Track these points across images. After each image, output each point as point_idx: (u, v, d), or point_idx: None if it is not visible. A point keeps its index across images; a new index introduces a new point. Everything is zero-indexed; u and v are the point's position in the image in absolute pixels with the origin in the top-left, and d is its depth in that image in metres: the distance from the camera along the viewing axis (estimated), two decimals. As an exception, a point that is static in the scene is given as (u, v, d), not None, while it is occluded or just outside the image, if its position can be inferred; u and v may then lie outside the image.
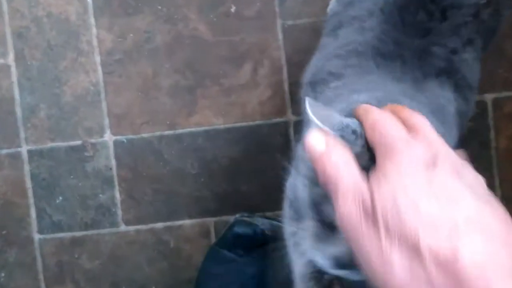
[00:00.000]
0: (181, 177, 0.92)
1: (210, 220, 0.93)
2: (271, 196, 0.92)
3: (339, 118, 0.35)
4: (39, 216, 0.94)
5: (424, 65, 0.52)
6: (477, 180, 0.30)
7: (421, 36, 0.53)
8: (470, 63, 0.55)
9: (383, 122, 0.32)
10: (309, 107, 0.35)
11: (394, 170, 0.28)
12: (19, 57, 0.92)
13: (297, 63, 0.90)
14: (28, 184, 0.93)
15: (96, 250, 0.93)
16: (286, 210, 0.48)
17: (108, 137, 0.93)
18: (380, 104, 0.38)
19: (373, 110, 0.34)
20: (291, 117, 0.91)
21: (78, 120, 0.92)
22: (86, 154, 0.93)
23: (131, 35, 0.91)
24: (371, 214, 0.27)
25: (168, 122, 0.92)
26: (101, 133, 0.92)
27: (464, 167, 0.30)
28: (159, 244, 0.93)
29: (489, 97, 0.89)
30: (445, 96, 0.52)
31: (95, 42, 0.92)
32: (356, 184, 0.29)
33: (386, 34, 0.54)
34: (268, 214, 0.92)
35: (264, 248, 0.87)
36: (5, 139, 0.93)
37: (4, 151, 0.93)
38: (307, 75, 0.62)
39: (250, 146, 0.91)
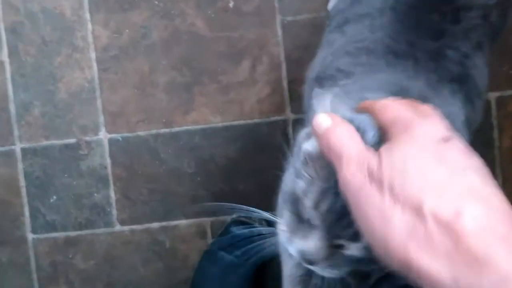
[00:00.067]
0: (178, 176, 0.90)
1: (207, 220, 0.91)
2: (269, 196, 0.91)
3: (344, 113, 0.36)
4: (33, 216, 0.92)
5: (438, 68, 0.51)
6: (484, 167, 0.31)
7: (435, 39, 0.52)
8: (480, 68, 0.55)
9: (397, 104, 0.34)
10: (318, 100, 0.36)
11: (408, 141, 0.30)
12: (13, 53, 0.91)
13: (297, 59, 0.89)
14: (22, 182, 0.92)
15: (90, 250, 0.92)
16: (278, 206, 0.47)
17: (103, 135, 0.91)
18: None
19: (383, 100, 0.36)
20: (290, 115, 0.89)
21: (72, 117, 0.91)
22: (81, 152, 0.91)
23: (127, 30, 0.90)
24: (376, 178, 0.29)
25: (164, 120, 0.90)
26: (96, 131, 0.91)
27: (472, 153, 0.31)
28: (155, 245, 0.92)
29: (492, 95, 0.87)
30: (456, 104, 0.51)
31: (90, 38, 0.90)
32: (361, 151, 0.30)
33: (398, 34, 0.53)
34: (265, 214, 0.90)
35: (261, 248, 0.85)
36: (-2, 136, 0.92)
37: (-2, 149, 0.92)
38: (313, 71, 0.61)
39: (248, 145, 0.90)
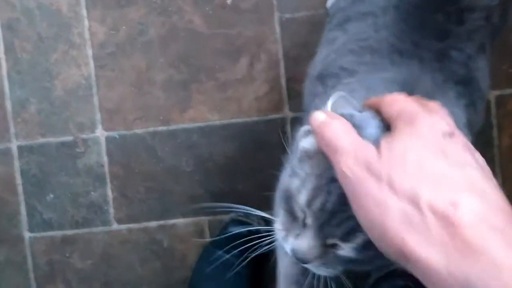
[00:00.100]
0: (175, 174, 0.90)
1: (205, 219, 0.91)
2: (267, 195, 0.91)
3: (345, 110, 0.36)
4: (30, 214, 0.92)
5: (444, 68, 0.51)
6: (485, 166, 0.31)
7: (440, 39, 0.52)
8: (483, 71, 0.55)
9: (403, 98, 0.34)
10: (320, 100, 0.37)
11: (411, 133, 0.30)
12: (9, 50, 0.90)
13: (295, 57, 0.88)
14: (18, 180, 0.91)
15: (87, 249, 0.91)
16: (275, 204, 0.47)
17: (100, 132, 0.90)
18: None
19: (392, 94, 0.36)
20: (288, 113, 0.89)
21: (69, 115, 0.90)
22: (78, 150, 0.90)
23: (124, 27, 0.89)
24: (373, 169, 0.29)
25: (161, 118, 0.89)
26: (92, 128, 0.90)
27: (475, 150, 0.31)
28: (152, 244, 0.91)
29: (492, 94, 0.86)
30: (459, 106, 0.51)
31: (87, 34, 0.89)
32: (356, 144, 0.31)
33: (403, 33, 0.53)
34: (264, 213, 0.89)
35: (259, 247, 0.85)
36: (-6, 134, 0.91)
37: (-7, 147, 0.91)
38: (315, 68, 0.60)
39: (246, 143, 0.89)
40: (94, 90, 0.90)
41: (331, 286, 0.44)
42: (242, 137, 0.89)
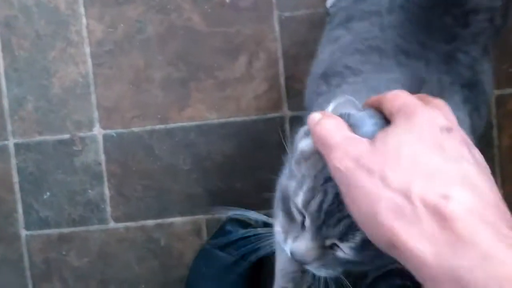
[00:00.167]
0: (173, 173, 0.89)
1: (202, 218, 0.90)
2: (266, 194, 0.90)
3: (344, 110, 0.37)
4: (26, 212, 0.91)
5: (451, 71, 0.51)
6: (484, 162, 0.31)
7: (447, 42, 0.52)
8: (487, 74, 0.55)
9: (405, 94, 0.34)
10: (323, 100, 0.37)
11: (409, 127, 0.30)
12: (7, 47, 0.90)
13: (294, 56, 0.88)
14: (15, 178, 0.91)
15: (84, 247, 0.91)
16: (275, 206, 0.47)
17: (98, 131, 0.90)
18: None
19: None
20: (287, 112, 0.88)
21: (66, 113, 0.90)
22: (75, 148, 0.90)
23: (122, 25, 0.88)
24: (364, 163, 0.29)
25: (159, 116, 0.89)
26: (90, 126, 0.90)
27: (474, 146, 0.32)
28: (149, 242, 0.91)
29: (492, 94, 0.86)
30: (465, 110, 0.51)
31: (85, 32, 0.89)
32: (347, 139, 0.31)
33: (409, 34, 0.52)
34: (262, 212, 0.89)
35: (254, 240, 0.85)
36: (-9, 131, 0.90)
37: (-10, 144, 0.91)
38: (319, 67, 0.60)
39: (244, 142, 0.89)
40: (92, 88, 0.89)
41: (331, 285, 0.44)
42: (240, 135, 0.89)
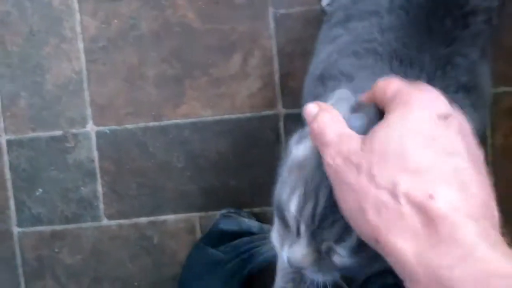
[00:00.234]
0: (166, 170, 0.89)
1: (196, 216, 0.90)
2: (259, 192, 0.90)
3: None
4: (19, 209, 0.91)
5: (445, 77, 0.51)
6: (478, 151, 0.31)
7: (446, 45, 0.51)
8: (486, 77, 0.55)
9: (397, 80, 0.34)
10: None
11: (404, 117, 0.30)
12: (0, 43, 0.89)
13: (289, 53, 0.87)
14: (7, 175, 0.90)
15: (77, 245, 0.91)
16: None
17: (91, 127, 0.89)
18: None
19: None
20: (281, 110, 0.88)
21: (60, 109, 0.89)
22: (68, 145, 0.89)
23: (116, 21, 0.88)
24: (353, 160, 0.29)
25: (153, 113, 0.88)
26: (83, 123, 0.89)
27: (470, 134, 0.31)
28: (143, 240, 0.90)
29: (486, 92, 0.86)
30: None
31: (78, 28, 0.88)
32: (340, 135, 0.31)
33: (409, 37, 0.52)
34: (256, 210, 0.89)
35: (250, 245, 0.85)
36: (-17, 128, 0.90)
37: (-17, 141, 0.90)
38: (316, 68, 0.60)
39: (238, 139, 0.89)
40: (85, 84, 0.89)
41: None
42: (235, 133, 0.89)
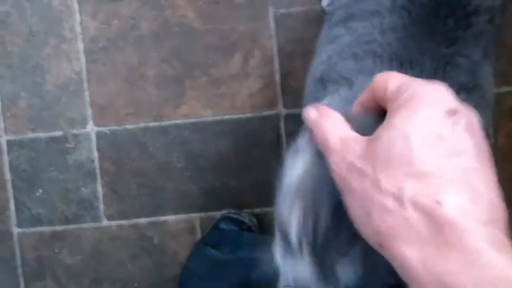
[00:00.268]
0: (167, 171, 0.89)
1: (196, 216, 0.89)
2: (260, 192, 0.90)
3: None
4: (19, 209, 0.90)
5: (445, 78, 0.50)
6: (486, 147, 0.30)
7: (448, 45, 0.50)
8: (488, 78, 0.54)
9: (397, 74, 0.32)
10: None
11: (409, 115, 0.29)
12: (0, 44, 0.89)
13: (290, 53, 0.87)
14: (7, 175, 0.90)
15: (77, 245, 0.90)
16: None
17: (91, 128, 0.89)
18: None
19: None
20: (282, 110, 0.88)
21: (59, 110, 0.89)
22: (68, 145, 0.89)
23: (116, 21, 0.88)
24: (356, 166, 0.29)
25: (153, 114, 0.88)
26: (83, 124, 0.89)
27: (478, 129, 0.30)
28: (143, 240, 0.90)
29: (488, 92, 0.85)
30: None
31: (78, 28, 0.88)
32: (344, 141, 0.31)
33: (410, 38, 0.51)
34: (257, 211, 0.89)
35: (251, 245, 0.84)
36: (-16, 128, 0.90)
37: (-17, 141, 0.90)
38: (316, 70, 0.59)
39: (239, 140, 0.88)
40: (85, 85, 0.89)
41: None
42: (235, 133, 0.88)
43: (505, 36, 0.83)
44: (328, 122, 0.32)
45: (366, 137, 0.30)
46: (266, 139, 0.88)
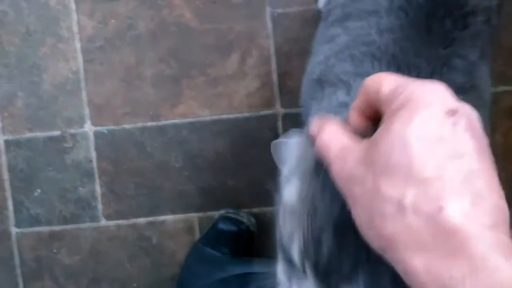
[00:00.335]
0: (165, 170, 0.89)
1: (194, 216, 0.90)
2: (258, 192, 0.90)
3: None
4: (17, 209, 0.90)
5: (442, 80, 0.49)
6: (486, 143, 0.29)
7: (445, 46, 0.50)
8: (485, 79, 0.54)
9: (392, 76, 0.31)
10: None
11: (408, 118, 0.28)
12: (-4, 43, 0.89)
13: (287, 53, 0.87)
14: (5, 175, 0.90)
15: (75, 245, 0.90)
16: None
17: (88, 127, 0.89)
18: None
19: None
20: (280, 110, 0.88)
21: (57, 109, 0.89)
22: (65, 145, 0.89)
23: (113, 21, 0.87)
24: (357, 174, 0.29)
25: (151, 113, 0.88)
26: (81, 123, 0.89)
27: (479, 128, 0.29)
28: (141, 240, 0.90)
29: (485, 91, 0.86)
30: None
31: (75, 28, 0.88)
32: (343, 150, 0.31)
33: (407, 40, 0.51)
34: (255, 210, 0.89)
35: (249, 246, 0.84)
36: (-19, 128, 0.90)
37: (-20, 141, 0.90)
38: (314, 70, 0.59)
39: (236, 139, 0.88)
40: (83, 84, 0.88)
41: None
42: (233, 133, 0.88)
43: (502, 36, 0.83)
44: (326, 133, 0.32)
45: (365, 143, 0.30)
46: (264, 138, 0.88)
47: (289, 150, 0.37)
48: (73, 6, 0.88)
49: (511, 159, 0.88)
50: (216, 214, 0.88)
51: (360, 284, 0.34)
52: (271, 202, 0.45)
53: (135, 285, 0.91)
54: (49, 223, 0.90)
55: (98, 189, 0.90)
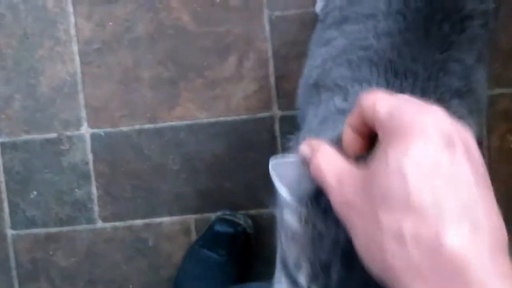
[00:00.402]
0: (162, 173, 0.89)
1: (191, 218, 0.90)
2: (255, 194, 0.90)
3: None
4: (13, 211, 0.90)
5: (439, 86, 0.49)
6: (480, 160, 0.29)
7: (442, 50, 0.50)
8: (482, 83, 0.54)
9: (388, 97, 0.30)
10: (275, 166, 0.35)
11: (405, 147, 0.27)
12: (-6, 45, 0.89)
13: (284, 55, 0.87)
14: (1, 177, 0.90)
15: (71, 247, 0.90)
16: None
17: (85, 130, 0.89)
18: None
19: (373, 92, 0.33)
20: (277, 112, 0.88)
21: (54, 112, 0.89)
22: (62, 147, 0.89)
23: (111, 23, 0.88)
24: (355, 203, 0.29)
25: (148, 115, 0.88)
26: (77, 125, 0.89)
27: (476, 150, 0.29)
28: (138, 242, 0.90)
29: (481, 94, 0.86)
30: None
31: (73, 30, 0.88)
32: (339, 178, 0.30)
33: (404, 45, 0.50)
34: (252, 212, 0.89)
35: (246, 248, 0.84)
36: (-22, 130, 0.89)
37: (-23, 143, 0.90)
38: (310, 74, 0.58)
39: (234, 142, 0.89)
40: (80, 87, 0.89)
41: None
42: (230, 135, 0.89)
43: (499, 39, 0.84)
44: (319, 159, 0.32)
45: (362, 171, 0.29)
46: (261, 141, 0.88)
47: (287, 171, 0.36)
48: (70, 8, 0.88)
49: (507, 161, 0.88)
50: (213, 216, 0.88)
51: None
52: (268, 204, 0.45)
53: (131, 286, 0.91)
54: (45, 225, 0.90)
55: (94, 191, 0.89)
